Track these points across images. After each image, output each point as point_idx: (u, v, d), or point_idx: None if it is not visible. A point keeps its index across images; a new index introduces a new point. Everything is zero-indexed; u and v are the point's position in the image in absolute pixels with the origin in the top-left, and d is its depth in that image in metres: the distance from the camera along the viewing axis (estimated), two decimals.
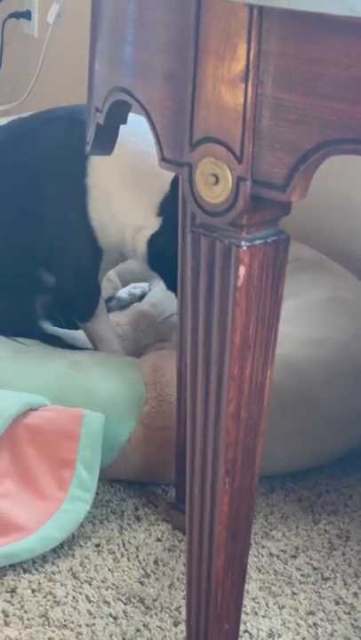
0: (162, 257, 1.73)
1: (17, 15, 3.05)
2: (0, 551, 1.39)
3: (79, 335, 1.86)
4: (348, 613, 1.37)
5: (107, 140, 1.15)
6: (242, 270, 0.95)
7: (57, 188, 1.73)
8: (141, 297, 2.07)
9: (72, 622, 1.32)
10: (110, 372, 1.61)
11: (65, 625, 1.32)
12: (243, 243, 0.94)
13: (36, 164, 1.74)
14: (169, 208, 1.67)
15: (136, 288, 2.08)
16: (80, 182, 1.70)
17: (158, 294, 2.03)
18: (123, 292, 2.07)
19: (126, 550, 1.47)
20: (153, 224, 1.71)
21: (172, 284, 1.75)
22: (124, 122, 1.13)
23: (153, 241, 1.72)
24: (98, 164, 1.69)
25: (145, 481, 1.62)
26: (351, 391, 1.67)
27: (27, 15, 3.04)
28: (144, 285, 2.09)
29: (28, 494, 1.48)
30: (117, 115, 1.09)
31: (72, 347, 1.80)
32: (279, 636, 1.33)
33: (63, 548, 1.45)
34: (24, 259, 1.79)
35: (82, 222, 1.72)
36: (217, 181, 0.93)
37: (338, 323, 1.78)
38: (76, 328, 1.89)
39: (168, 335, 1.92)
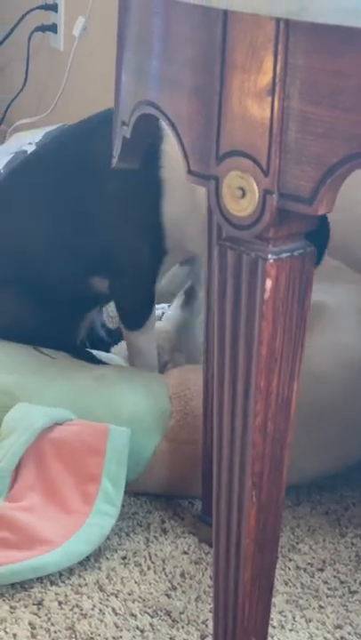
0: None
1: (43, 28, 3.07)
2: (26, 564, 1.39)
3: (111, 358, 1.85)
4: None
5: (133, 154, 1.15)
6: (269, 283, 0.95)
7: (120, 186, 1.63)
8: (160, 317, 2.06)
9: (99, 635, 1.32)
10: (136, 386, 1.61)
11: (92, 637, 1.32)
12: (269, 256, 0.94)
13: (94, 164, 1.66)
14: None
15: (157, 309, 2.07)
16: (153, 177, 1.61)
17: (177, 313, 2.01)
18: None
19: (153, 563, 1.47)
20: None
21: None
22: (150, 136, 1.13)
23: None
24: (174, 154, 1.57)
25: (171, 494, 1.62)
26: None
27: (53, 28, 3.06)
28: (164, 306, 2.08)
29: (54, 508, 1.48)
30: (144, 128, 1.10)
31: (100, 362, 1.79)
32: None
33: (90, 561, 1.45)
34: (76, 266, 1.72)
35: (150, 220, 1.64)
36: (244, 194, 0.93)
37: None
38: (107, 350, 1.88)
39: (189, 354, 1.90)
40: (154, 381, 1.64)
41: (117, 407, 1.57)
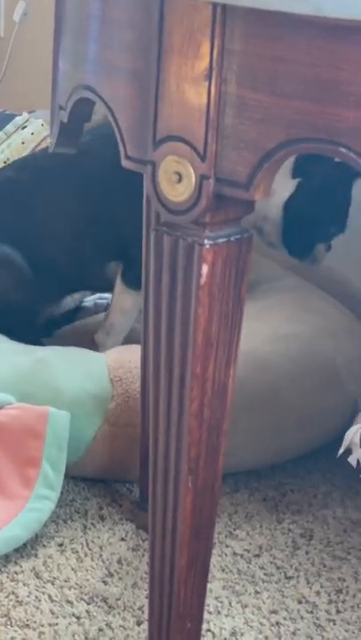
0: (298, 222, 1.70)
1: None
2: None
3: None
4: (311, 612, 1.38)
5: (71, 138, 1.14)
6: (205, 269, 0.94)
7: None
8: (106, 308, 2.06)
9: (34, 622, 1.31)
10: (76, 370, 1.61)
11: (27, 625, 1.31)
12: (206, 241, 0.94)
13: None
14: (305, 169, 1.65)
15: (102, 299, 2.07)
16: None
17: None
18: (89, 302, 2.06)
19: (90, 550, 1.46)
20: (288, 187, 1.69)
21: (301, 252, 1.74)
22: (89, 120, 1.12)
23: (290, 205, 1.69)
24: None
25: (111, 478, 1.62)
26: (316, 387, 1.68)
27: None
28: (109, 297, 2.08)
29: None
30: (81, 112, 1.09)
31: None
32: (242, 634, 1.33)
33: (26, 548, 1.45)
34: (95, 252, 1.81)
35: None
36: (180, 179, 0.93)
37: (304, 318, 1.79)
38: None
39: None
40: (95, 364, 1.63)
41: (58, 390, 1.56)
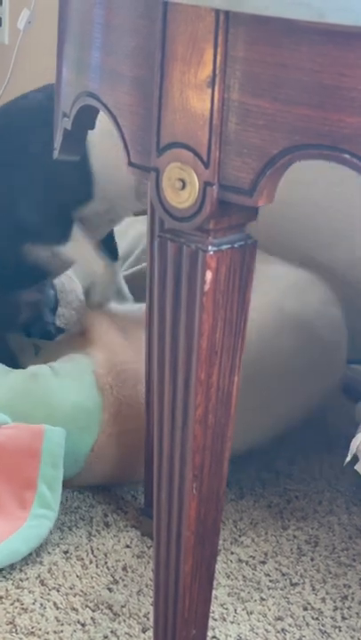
0: None
1: None
2: None
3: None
4: (317, 619, 1.38)
5: (75, 145, 1.14)
6: (209, 275, 0.95)
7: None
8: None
9: (40, 629, 1.31)
10: (67, 382, 1.59)
11: (32, 632, 1.31)
12: (210, 247, 0.94)
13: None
14: None
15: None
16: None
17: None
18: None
19: (95, 557, 1.46)
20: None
21: None
22: (92, 127, 1.12)
23: None
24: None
25: (113, 484, 1.62)
26: (294, 348, 1.68)
27: None
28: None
29: None
30: (85, 120, 1.09)
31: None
32: None
33: (31, 556, 1.45)
34: (11, 238, 1.76)
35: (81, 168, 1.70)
36: (184, 186, 0.93)
37: (272, 283, 1.80)
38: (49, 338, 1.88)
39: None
40: (83, 375, 1.60)
41: (51, 407, 1.55)
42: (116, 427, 1.56)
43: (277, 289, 1.79)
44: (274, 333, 1.69)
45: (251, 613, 1.38)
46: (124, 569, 1.44)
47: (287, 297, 1.77)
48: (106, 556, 1.47)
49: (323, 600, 1.41)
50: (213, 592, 1.12)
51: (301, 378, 1.70)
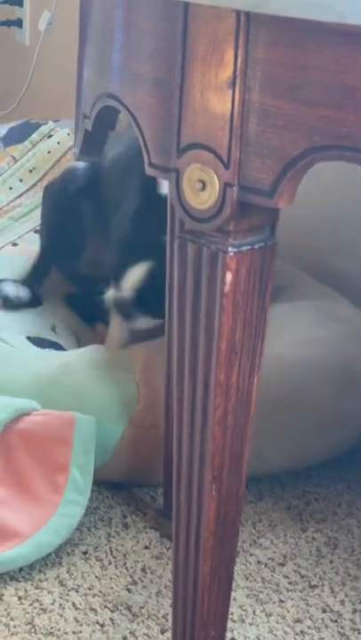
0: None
1: (8, 23, 3.05)
2: None
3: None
4: (335, 621, 1.37)
5: (95, 146, 1.14)
6: (229, 276, 0.95)
7: None
8: None
9: (58, 630, 1.32)
10: (101, 373, 1.61)
11: (51, 632, 1.31)
12: (230, 249, 0.94)
13: None
14: None
15: None
16: None
17: None
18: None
19: (114, 558, 1.47)
20: None
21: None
22: (113, 128, 1.13)
23: None
24: None
25: (135, 482, 1.62)
26: (339, 393, 1.67)
27: (18, 23, 3.04)
28: None
29: (23, 500, 1.48)
30: (105, 121, 1.09)
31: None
32: None
33: (50, 556, 1.45)
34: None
35: None
36: (204, 187, 0.93)
37: (328, 324, 1.79)
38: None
39: None
40: (120, 367, 1.63)
41: (82, 396, 1.57)
42: (147, 420, 1.57)
43: (342, 334, 1.77)
44: (320, 378, 1.68)
45: (270, 615, 1.38)
46: (143, 570, 1.45)
47: (351, 345, 1.75)
48: (125, 556, 1.47)
49: (342, 602, 1.41)
50: (232, 593, 1.12)
51: (338, 420, 1.69)
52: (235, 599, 1.39)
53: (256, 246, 0.96)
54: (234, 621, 1.35)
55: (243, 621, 1.36)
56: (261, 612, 1.38)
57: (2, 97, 3.13)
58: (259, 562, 1.49)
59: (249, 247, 0.95)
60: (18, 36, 3.06)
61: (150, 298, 1.74)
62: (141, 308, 1.77)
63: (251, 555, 1.50)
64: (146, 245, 1.74)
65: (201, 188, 0.93)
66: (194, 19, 0.90)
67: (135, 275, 1.78)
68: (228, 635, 1.31)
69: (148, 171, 0.98)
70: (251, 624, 1.36)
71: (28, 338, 1.82)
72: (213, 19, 0.89)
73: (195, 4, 0.90)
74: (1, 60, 3.12)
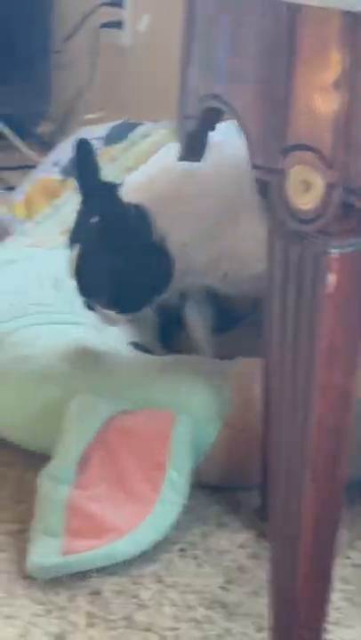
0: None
1: (109, 25, 3.09)
2: (96, 553, 1.40)
3: None
4: None
5: (197, 148, 1.15)
6: (331, 278, 0.95)
7: None
8: None
9: (156, 625, 1.33)
10: (197, 375, 1.62)
11: (149, 628, 1.32)
12: (333, 250, 0.94)
13: None
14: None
15: None
16: None
17: None
18: None
19: (210, 556, 1.47)
20: None
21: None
22: (213, 129, 1.13)
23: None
24: None
25: (228, 484, 1.63)
26: None
27: (119, 25, 3.07)
28: None
29: (122, 497, 1.49)
30: (208, 122, 1.10)
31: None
32: None
33: (147, 553, 1.46)
34: None
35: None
36: (308, 188, 0.93)
37: None
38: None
39: None
40: (216, 372, 1.64)
41: (179, 396, 1.58)
42: (241, 422, 1.57)
43: None
44: None
45: None
46: (239, 569, 1.45)
47: None
48: (220, 555, 1.48)
49: None
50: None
51: None
52: (331, 601, 1.38)
53: (359, 247, 0.96)
54: (330, 623, 1.35)
55: (338, 624, 1.35)
56: (358, 615, 1.37)
57: (103, 97, 3.16)
58: (354, 565, 1.48)
59: (352, 249, 0.95)
60: (118, 38, 3.09)
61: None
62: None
63: (347, 557, 1.49)
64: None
65: (305, 188, 0.93)
66: (301, 19, 0.90)
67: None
68: (325, 637, 1.31)
69: (253, 172, 0.99)
70: (347, 627, 1.35)
71: (130, 344, 1.83)
72: (320, 19, 0.89)
73: (301, 5, 0.90)
74: (102, 62, 3.15)
